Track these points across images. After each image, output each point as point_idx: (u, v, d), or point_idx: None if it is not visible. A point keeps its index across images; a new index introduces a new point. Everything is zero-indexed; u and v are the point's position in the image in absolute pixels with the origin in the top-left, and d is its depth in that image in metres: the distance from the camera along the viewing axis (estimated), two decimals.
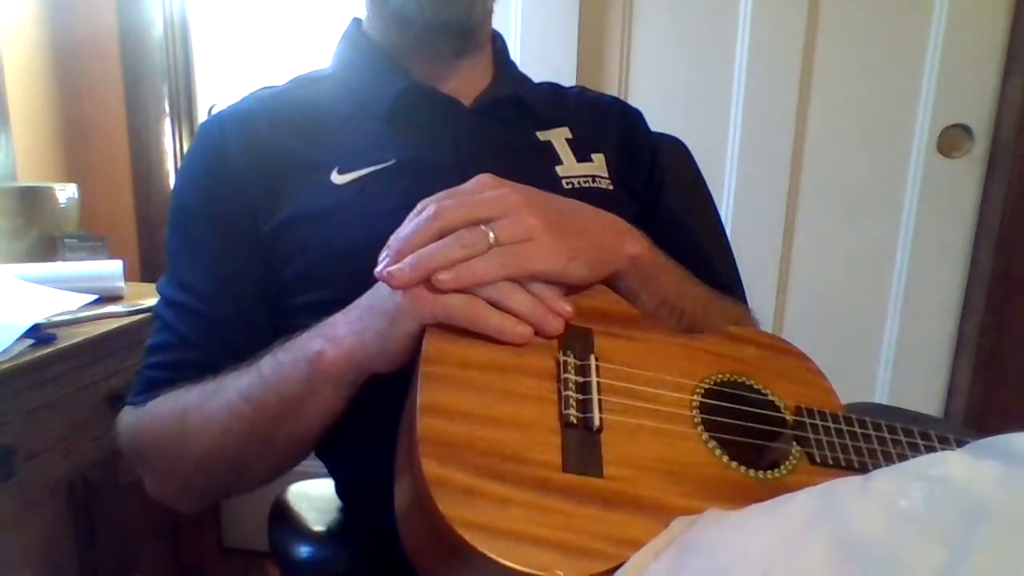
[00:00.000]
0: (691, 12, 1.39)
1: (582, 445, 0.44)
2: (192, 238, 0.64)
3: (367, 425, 0.56)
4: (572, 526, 0.40)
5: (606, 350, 0.50)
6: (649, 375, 0.50)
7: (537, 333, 0.48)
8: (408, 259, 0.47)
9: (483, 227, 0.48)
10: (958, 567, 0.31)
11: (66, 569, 0.99)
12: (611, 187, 0.71)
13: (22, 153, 1.35)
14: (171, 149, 1.48)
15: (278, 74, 0.73)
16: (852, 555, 0.33)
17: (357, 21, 0.74)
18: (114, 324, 1.02)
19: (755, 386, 0.54)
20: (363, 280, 0.51)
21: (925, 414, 1.10)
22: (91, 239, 1.30)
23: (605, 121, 0.77)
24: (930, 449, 0.53)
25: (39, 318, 0.93)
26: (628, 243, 0.55)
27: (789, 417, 0.53)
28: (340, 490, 0.73)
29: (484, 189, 0.50)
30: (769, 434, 0.52)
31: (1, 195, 1.23)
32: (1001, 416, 1.37)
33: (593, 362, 0.49)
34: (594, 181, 0.70)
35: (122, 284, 1.16)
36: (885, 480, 0.37)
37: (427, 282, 0.47)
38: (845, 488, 0.38)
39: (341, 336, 0.51)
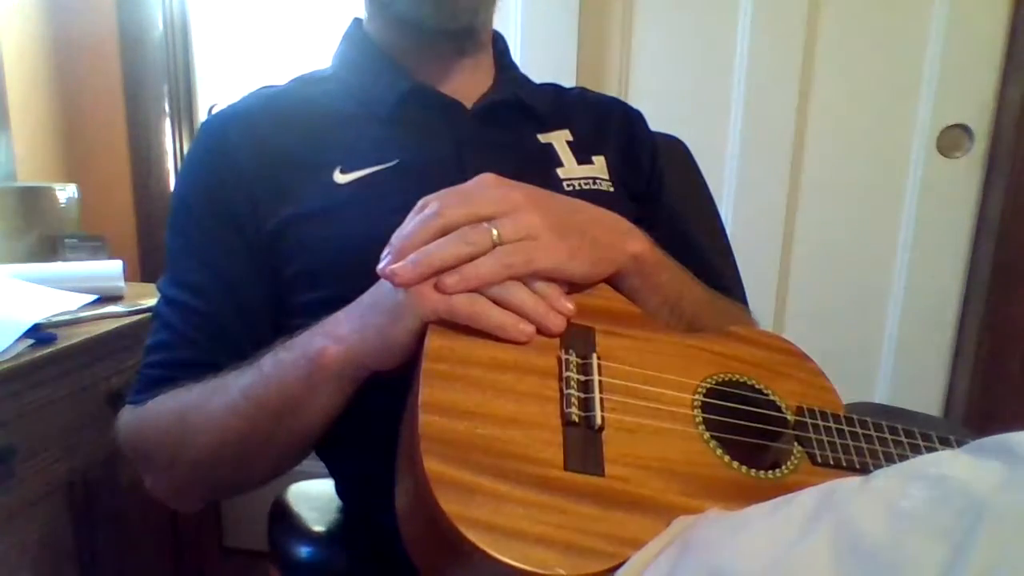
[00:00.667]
0: (691, 12, 1.39)
1: (584, 444, 0.44)
2: (193, 236, 0.64)
3: (368, 425, 0.56)
4: (573, 524, 0.40)
5: (608, 349, 0.50)
6: (651, 374, 0.50)
7: (539, 331, 0.49)
8: (411, 256, 0.47)
9: (486, 225, 0.48)
10: (959, 566, 0.31)
11: (66, 569, 0.99)
12: (611, 189, 0.71)
13: (22, 153, 1.35)
14: (171, 149, 1.48)
15: (278, 74, 0.73)
16: (853, 555, 0.33)
17: (358, 21, 0.74)
18: (114, 324, 1.02)
19: (756, 386, 0.54)
20: (365, 278, 0.51)
21: (925, 414, 1.10)
22: (91, 239, 1.30)
23: (606, 123, 0.77)
24: (930, 449, 0.53)
25: (39, 318, 0.93)
26: (630, 242, 0.55)
27: (790, 417, 0.53)
28: (340, 490, 0.73)
29: (486, 187, 0.50)
30: (770, 434, 0.52)
31: (1, 195, 1.23)
32: (1001, 416, 1.37)
33: (595, 361, 0.49)
34: (595, 183, 0.70)
35: (122, 284, 1.16)
36: (886, 480, 0.37)
37: (430, 280, 0.47)
38: (846, 488, 0.38)
39: (343, 333, 0.51)
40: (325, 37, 1.38)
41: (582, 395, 0.46)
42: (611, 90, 1.43)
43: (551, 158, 0.70)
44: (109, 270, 1.16)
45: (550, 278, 0.50)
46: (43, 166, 1.41)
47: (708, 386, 0.51)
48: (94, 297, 1.10)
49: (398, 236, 0.49)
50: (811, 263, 1.45)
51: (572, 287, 0.52)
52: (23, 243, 1.24)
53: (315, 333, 0.52)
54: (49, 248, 1.26)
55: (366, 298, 0.52)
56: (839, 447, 0.51)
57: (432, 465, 0.40)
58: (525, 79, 0.77)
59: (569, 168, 0.70)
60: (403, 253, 0.47)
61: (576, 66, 1.38)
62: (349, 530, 0.72)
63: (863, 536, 0.34)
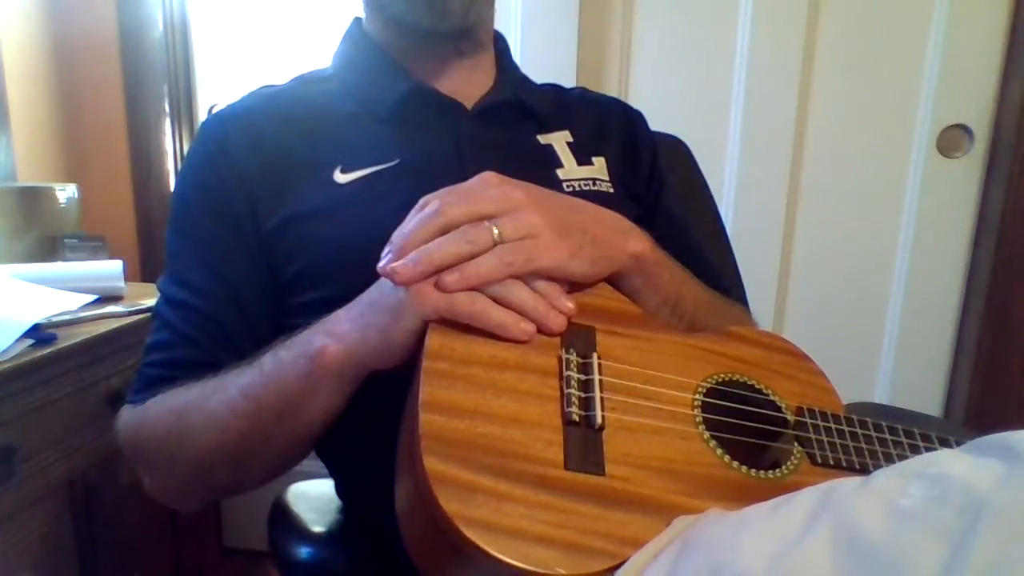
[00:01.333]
0: (691, 12, 1.39)
1: (584, 443, 0.44)
2: (193, 236, 0.64)
3: (368, 425, 0.56)
4: (573, 524, 0.40)
5: (608, 348, 0.50)
6: (651, 374, 0.50)
7: (540, 330, 0.49)
8: (411, 255, 0.47)
9: (486, 223, 0.48)
10: (959, 565, 0.31)
11: (66, 569, 0.99)
12: (611, 190, 0.71)
13: (22, 153, 1.35)
14: (171, 149, 1.48)
15: (278, 74, 0.73)
16: (853, 554, 0.33)
17: (358, 21, 0.74)
18: (114, 324, 1.02)
19: (757, 386, 0.54)
20: (365, 278, 0.51)
21: (925, 414, 1.10)
22: (91, 239, 1.30)
23: (606, 123, 0.77)
24: (930, 449, 0.53)
25: (39, 318, 0.93)
26: (631, 241, 0.55)
27: (790, 417, 0.53)
28: (340, 490, 0.73)
29: (487, 186, 0.50)
30: (770, 434, 0.52)
31: (1, 195, 1.23)
32: (1001, 416, 1.37)
33: (595, 360, 0.49)
34: (595, 184, 0.70)
35: (122, 284, 1.16)
36: (886, 479, 0.37)
37: (430, 278, 0.47)
38: (845, 487, 0.38)
39: (343, 332, 0.51)
40: (325, 37, 1.38)
41: (582, 394, 0.46)
42: (611, 90, 1.43)
43: (551, 159, 0.70)
44: (109, 270, 1.16)
45: (551, 277, 0.50)
46: (43, 166, 1.41)
47: (708, 386, 0.51)
48: (94, 297, 1.10)
49: (398, 234, 0.49)
50: (811, 263, 1.45)
51: (573, 286, 0.52)
52: (23, 243, 1.24)
53: (315, 332, 0.52)
54: (49, 248, 1.26)
55: (366, 297, 0.52)
56: (839, 447, 0.51)
57: (432, 464, 0.40)
58: (526, 79, 0.77)
59: (569, 169, 0.70)
60: (403, 251, 0.47)
61: (576, 66, 1.38)
62: (349, 530, 0.71)
63: (863, 535, 0.34)
